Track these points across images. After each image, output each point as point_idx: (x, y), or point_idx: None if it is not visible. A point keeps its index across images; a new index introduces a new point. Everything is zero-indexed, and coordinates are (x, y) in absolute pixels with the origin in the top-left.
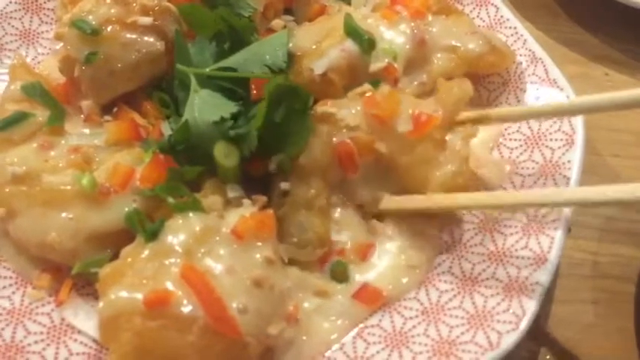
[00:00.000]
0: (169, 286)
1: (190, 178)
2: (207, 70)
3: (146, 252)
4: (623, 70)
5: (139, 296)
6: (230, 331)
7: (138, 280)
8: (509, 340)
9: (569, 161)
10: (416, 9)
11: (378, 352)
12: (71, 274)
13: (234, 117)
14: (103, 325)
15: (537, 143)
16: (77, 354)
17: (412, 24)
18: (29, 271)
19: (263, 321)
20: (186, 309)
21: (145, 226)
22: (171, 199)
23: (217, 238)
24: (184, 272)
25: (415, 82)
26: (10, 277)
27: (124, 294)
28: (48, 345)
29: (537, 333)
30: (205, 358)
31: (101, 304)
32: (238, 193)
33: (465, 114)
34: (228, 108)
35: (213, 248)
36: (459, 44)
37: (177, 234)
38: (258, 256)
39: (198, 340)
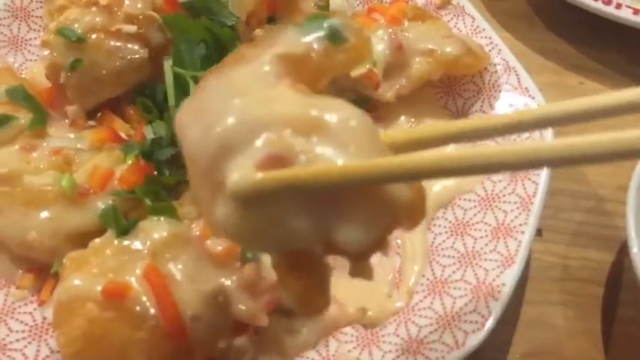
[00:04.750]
0: (130, 281)
1: (168, 185)
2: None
3: (114, 246)
4: (597, 78)
5: (98, 285)
6: (179, 336)
7: (100, 271)
8: (474, 340)
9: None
10: (392, 16)
11: (349, 351)
12: (51, 272)
13: None
14: (57, 309)
15: None
16: (57, 351)
17: (389, 30)
18: (13, 271)
19: (213, 333)
20: (142, 306)
21: (119, 222)
22: (148, 202)
23: (184, 245)
24: (147, 271)
25: (396, 86)
26: None
27: (83, 281)
28: (29, 343)
29: (505, 333)
30: (150, 358)
31: (59, 287)
32: None
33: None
34: None
35: (178, 254)
36: (435, 48)
37: (148, 235)
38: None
39: (148, 338)
